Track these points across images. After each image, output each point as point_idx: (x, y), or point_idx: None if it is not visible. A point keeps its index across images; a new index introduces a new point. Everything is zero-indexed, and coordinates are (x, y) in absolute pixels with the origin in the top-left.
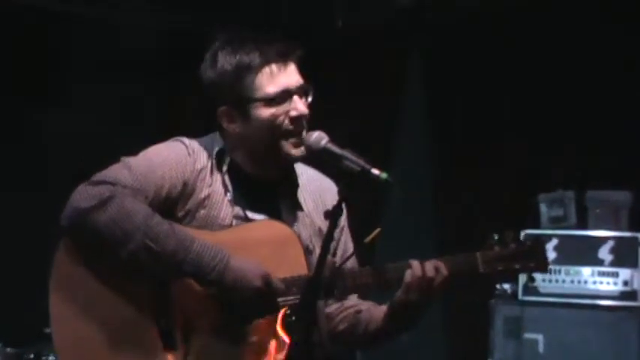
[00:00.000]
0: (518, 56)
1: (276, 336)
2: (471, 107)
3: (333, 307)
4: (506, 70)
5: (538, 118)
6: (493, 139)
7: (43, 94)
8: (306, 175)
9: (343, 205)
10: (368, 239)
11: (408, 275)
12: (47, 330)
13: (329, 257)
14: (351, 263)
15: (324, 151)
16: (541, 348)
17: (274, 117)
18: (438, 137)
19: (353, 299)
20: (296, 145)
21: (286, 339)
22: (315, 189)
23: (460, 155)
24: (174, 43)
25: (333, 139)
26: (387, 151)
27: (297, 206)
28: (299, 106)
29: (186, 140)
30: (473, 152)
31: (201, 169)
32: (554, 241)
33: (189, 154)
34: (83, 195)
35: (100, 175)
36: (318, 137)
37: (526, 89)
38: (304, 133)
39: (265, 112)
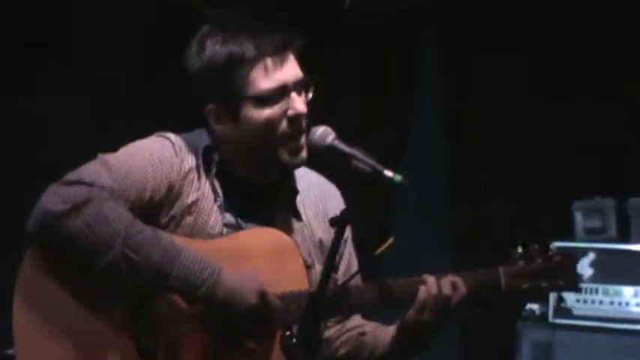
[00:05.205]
0: (546, 42)
1: (273, 359)
2: (495, 101)
3: (332, 330)
4: (534, 56)
5: (574, 115)
6: (521, 139)
7: (21, 77)
8: (307, 180)
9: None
10: (379, 251)
11: (421, 292)
12: (9, 352)
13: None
14: (355, 279)
15: (331, 149)
16: None
17: (269, 119)
18: (456, 136)
19: (356, 319)
20: (294, 152)
21: None
22: (317, 196)
23: (482, 156)
24: (164, 21)
25: (340, 135)
26: (399, 150)
27: (296, 215)
28: (297, 104)
29: (172, 137)
30: (497, 153)
31: (188, 171)
32: (591, 256)
33: (175, 153)
34: (55, 197)
35: (74, 175)
36: (324, 133)
37: (557, 81)
38: (302, 138)
39: (258, 113)
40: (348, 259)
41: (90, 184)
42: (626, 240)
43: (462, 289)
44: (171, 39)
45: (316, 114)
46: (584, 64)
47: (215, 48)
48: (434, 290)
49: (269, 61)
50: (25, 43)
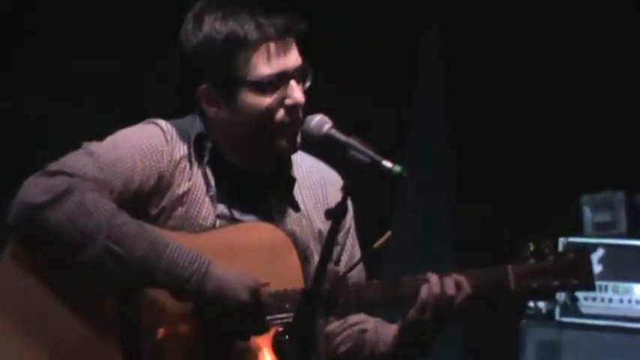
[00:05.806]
0: (547, 40)
1: (264, 358)
2: (499, 93)
3: (333, 325)
4: (535, 54)
5: (581, 105)
6: (527, 130)
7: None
8: (305, 166)
9: (348, 203)
10: (377, 244)
11: (423, 291)
12: None
13: (330, 265)
14: (357, 273)
15: (327, 138)
16: None
17: (267, 108)
18: (460, 127)
19: (358, 315)
20: (290, 140)
21: None
22: (316, 183)
23: (487, 147)
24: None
25: (337, 124)
26: (399, 141)
27: (293, 205)
28: (296, 93)
29: (162, 123)
30: (502, 144)
31: (180, 159)
32: (600, 252)
33: (166, 140)
34: (35, 188)
35: (55, 165)
36: (320, 122)
37: (558, 80)
38: (298, 127)
39: (256, 99)
40: (351, 251)
41: (72, 175)
42: (637, 235)
43: (467, 288)
44: (171, 38)
45: (315, 113)
46: (585, 62)
47: (214, 25)
48: (436, 290)
49: (272, 45)
50: (21, 42)
